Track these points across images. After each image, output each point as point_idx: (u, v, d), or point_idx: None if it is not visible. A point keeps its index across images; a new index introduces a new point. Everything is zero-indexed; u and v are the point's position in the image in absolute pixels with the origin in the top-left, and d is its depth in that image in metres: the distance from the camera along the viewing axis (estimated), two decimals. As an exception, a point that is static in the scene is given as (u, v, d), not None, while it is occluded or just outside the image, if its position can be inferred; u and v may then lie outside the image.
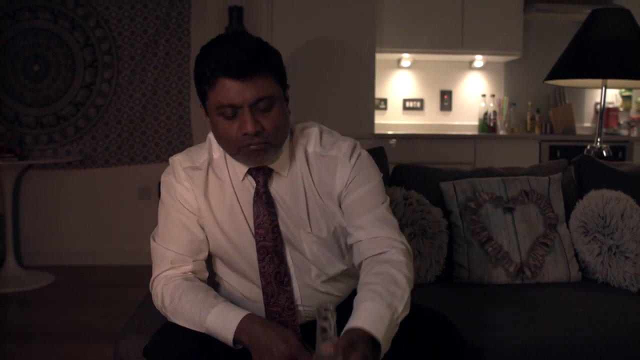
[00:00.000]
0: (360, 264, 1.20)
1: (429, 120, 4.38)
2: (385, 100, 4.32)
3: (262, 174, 1.21)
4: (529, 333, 1.46)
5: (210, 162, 1.24)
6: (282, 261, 1.24)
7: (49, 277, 3.50)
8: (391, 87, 4.34)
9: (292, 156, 1.24)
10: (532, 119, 4.33)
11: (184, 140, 3.88)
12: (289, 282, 1.24)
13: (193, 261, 1.23)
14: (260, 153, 1.14)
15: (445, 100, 4.37)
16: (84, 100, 3.81)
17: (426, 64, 4.32)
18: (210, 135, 1.25)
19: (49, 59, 3.78)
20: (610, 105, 4.38)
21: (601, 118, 2.45)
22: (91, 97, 3.82)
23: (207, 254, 1.27)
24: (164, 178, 1.26)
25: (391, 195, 1.88)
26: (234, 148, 1.14)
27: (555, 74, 2.36)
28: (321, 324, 0.88)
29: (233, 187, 1.24)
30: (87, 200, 3.88)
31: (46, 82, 3.79)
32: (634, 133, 4.25)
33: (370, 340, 0.99)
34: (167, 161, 1.29)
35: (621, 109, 4.43)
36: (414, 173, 2.04)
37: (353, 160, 1.22)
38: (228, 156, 1.22)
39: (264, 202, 1.21)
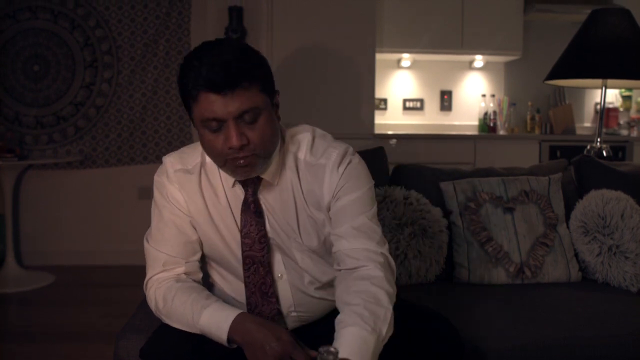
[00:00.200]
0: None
1: (429, 120, 4.38)
2: (385, 100, 4.32)
3: (251, 183, 1.19)
4: (529, 333, 1.46)
5: (202, 164, 1.22)
6: (268, 272, 1.22)
7: (49, 277, 3.50)
8: (391, 87, 4.34)
9: (282, 164, 1.20)
10: (532, 119, 4.33)
11: (184, 141, 3.88)
12: (273, 294, 1.23)
13: (186, 263, 1.23)
14: (247, 168, 1.11)
15: (445, 100, 4.37)
16: (84, 100, 3.81)
17: (426, 64, 4.32)
18: None
19: (49, 59, 3.78)
20: (610, 105, 4.38)
21: (601, 118, 2.45)
22: (91, 97, 3.82)
23: (200, 254, 1.26)
24: (156, 178, 1.25)
25: (391, 195, 1.88)
26: (220, 160, 1.12)
27: (555, 74, 2.36)
28: None
29: (225, 191, 1.22)
30: (87, 200, 3.88)
31: (46, 82, 3.79)
32: (634, 133, 4.25)
33: None
34: None
35: (621, 109, 4.43)
36: (414, 173, 2.04)
37: (342, 168, 1.18)
38: None
39: (252, 211, 1.20)
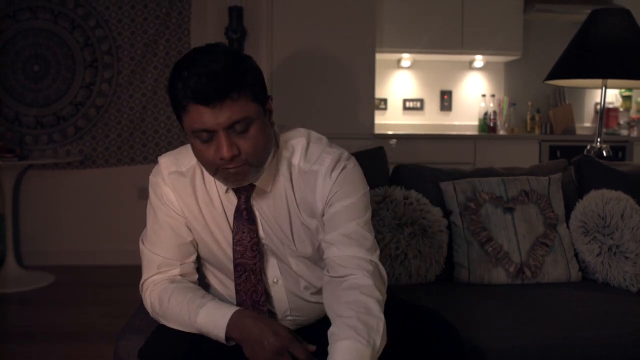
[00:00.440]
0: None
1: (429, 120, 4.38)
2: (385, 100, 4.32)
3: (244, 190, 1.17)
4: (529, 333, 1.46)
5: (197, 167, 1.20)
6: (260, 280, 1.21)
7: (49, 277, 3.50)
8: (391, 87, 4.34)
9: (276, 171, 1.18)
10: (532, 119, 4.33)
11: (184, 141, 3.85)
12: (265, 303, 1.22)
13: (181, 265, 1.22)
14: (239, 177, 1.09)
15: (445, 100, 4.37)
16: (84, 101, 3.81)
17: (426, 64, 4.32)
18: None
19: (49, 59, 3.78)
20: (610, 105, 4.38)
21: (601, 118, 2.45)
22: (91, 97, 3.82)
23: (196, 256, 1.25)
24: (152, 178, 1.24)
25: (391, 195, 1.88)
26: (212, 169, 1.10)
27: (555, 74, 2.36)
28: None
29: (219, 196, 1.21)
30: (87, 200, 3.88)
31: (46, 82, 3.79)
32: (634, 133, 4.25)
33: None
34: None
35: (621, 109, 4.43)
36: (414, 173, 2.04)
37: (335, 174, 1.15)
38: None
39: (245, 219, 1.18)
